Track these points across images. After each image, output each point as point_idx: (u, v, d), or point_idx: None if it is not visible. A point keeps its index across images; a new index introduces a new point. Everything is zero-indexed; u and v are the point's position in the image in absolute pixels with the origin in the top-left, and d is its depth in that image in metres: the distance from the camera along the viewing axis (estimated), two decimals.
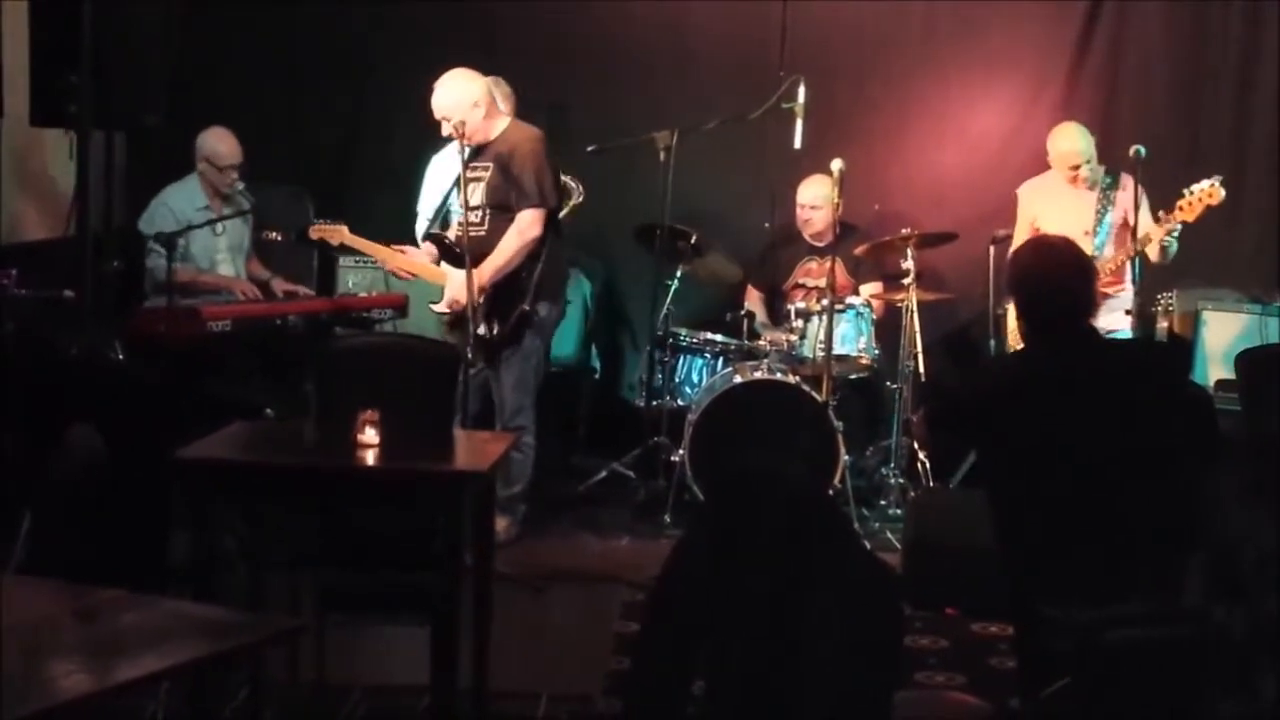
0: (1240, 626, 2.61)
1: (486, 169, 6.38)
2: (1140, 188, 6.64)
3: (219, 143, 6.91)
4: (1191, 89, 7.86)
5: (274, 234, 7.02)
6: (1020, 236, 7.05)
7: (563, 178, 6.85)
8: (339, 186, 8.05)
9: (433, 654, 4.36)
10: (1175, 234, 6.70)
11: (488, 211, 6.37)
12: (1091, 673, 3.30)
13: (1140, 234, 6.65)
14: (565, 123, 7.78)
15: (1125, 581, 3.54)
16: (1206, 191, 6.61)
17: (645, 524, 6.94)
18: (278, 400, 6.37)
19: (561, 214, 6.75)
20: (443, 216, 6.60)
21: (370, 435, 4.36)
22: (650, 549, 6.46)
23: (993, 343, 7.21)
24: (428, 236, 6.57)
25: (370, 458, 4.33)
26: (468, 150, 6.17)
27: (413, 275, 6.64)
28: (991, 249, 7.27)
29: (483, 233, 6.34)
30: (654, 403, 7.20)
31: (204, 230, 6.80)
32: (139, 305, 6.69)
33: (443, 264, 6.45)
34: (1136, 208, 6.61)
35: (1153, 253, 6.75)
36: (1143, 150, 6.50)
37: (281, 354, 6.68)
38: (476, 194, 6.35)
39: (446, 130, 6.28)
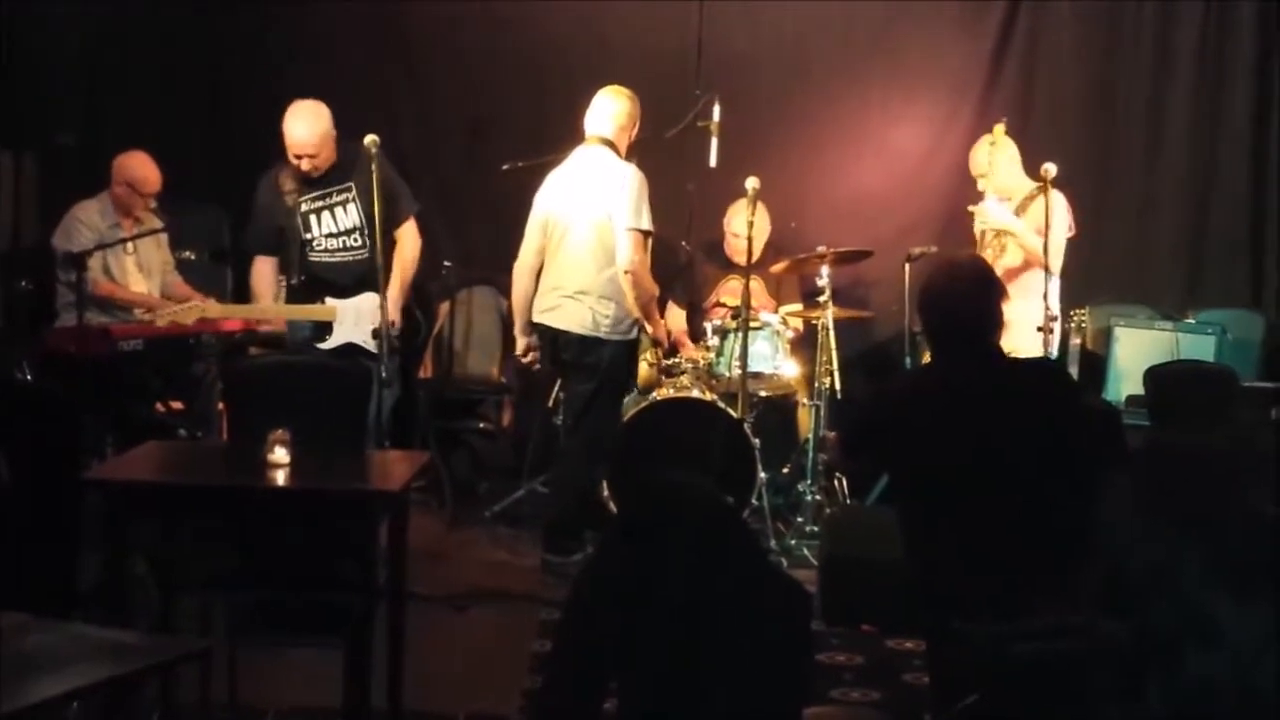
0: (1129, 637, 2.64)
1: (348, 190, 6.39)
2: (1057, 204, 6.61)
3: (141, 169, 6.82)
4: (1105, 98, 7.95)
5: (188, 253, 6.97)
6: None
7: None
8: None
9: (346, 675, 4.35)
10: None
11: (365, 231, 6.38)
12: (998, 686, 3.33)
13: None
14: (482, 140, 7.78)
15: (1031, 595, 3.57)
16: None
17: None
18: (189, 420, 6.32)
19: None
20: (308, 249, 6.53)
21: (281, 455, 4.34)
22: (567, 567, 6.45)
23: (909, 360, 7.25)
24: (303, 274, 6.51)
25: (281, 477, 4.32)
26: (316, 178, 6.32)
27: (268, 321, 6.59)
28: (908, 266, 7.30)
29: (365, 254, 6.37)
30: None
31: (113, 249, 6.73)
32: (49, 325, 6.62)
33: (327, 299, 6.42)
34: (1048, 226, 6.56)
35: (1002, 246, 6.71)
36: (1053, 168, 6.54)
37: (193, 373, 6.62)
38: (347, 218, 6.40)
39: (308, 166, 6.30)
